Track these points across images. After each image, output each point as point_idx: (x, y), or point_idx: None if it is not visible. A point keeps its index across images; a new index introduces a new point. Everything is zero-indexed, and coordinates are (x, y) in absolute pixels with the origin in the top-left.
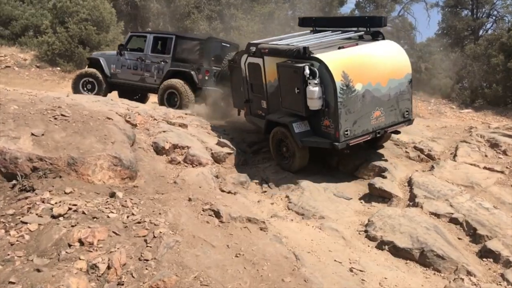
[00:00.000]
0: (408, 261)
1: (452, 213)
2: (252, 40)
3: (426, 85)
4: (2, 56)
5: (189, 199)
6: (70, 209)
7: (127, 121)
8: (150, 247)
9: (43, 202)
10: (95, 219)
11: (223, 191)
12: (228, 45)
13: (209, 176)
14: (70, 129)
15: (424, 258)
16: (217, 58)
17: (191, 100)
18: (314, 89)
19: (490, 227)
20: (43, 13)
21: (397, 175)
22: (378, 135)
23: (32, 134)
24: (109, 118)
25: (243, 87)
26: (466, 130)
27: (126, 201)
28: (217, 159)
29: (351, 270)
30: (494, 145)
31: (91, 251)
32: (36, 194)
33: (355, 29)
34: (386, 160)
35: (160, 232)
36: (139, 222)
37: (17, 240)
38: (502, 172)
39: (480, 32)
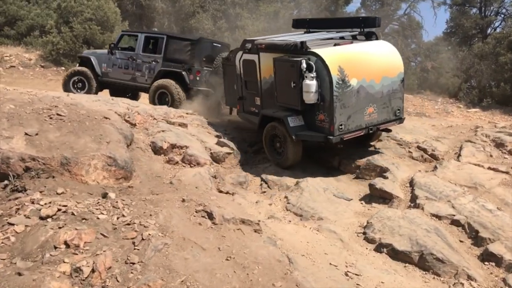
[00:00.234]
0: (407, 264)
1: (454, 215)
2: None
3: (434, 84)
4: (7, 56)
5: (183, 200)
6: (59, 210)
7: (126, 121)
8: (138, 249)
9: (32, 203)
10: (84, 221)
11: (220, 191)
12: (219, 46)
13: (206, 176)
14: (65, 129)
15: (424, 262)
16: (208, 59)
17: (182, 101)
18: (310, 83)
19: (492, 230)
20: (49, 13)
21: (399, 175)
22: (370, 131)
23: (26, 134)
24: (106, 118)
25: (236, 84)
26: (472, 129)
27: (117, 202)
28: (216, 159)
29: (346, 274)
30: (499, 144)
31: (77, 254)
32: (27, 194)
33: (349, 30)
34: (388, 160)
35: (149, 234)
36: (128, 224)
37: (2, 242)
38: (507, 172)
39: (488, 31)
